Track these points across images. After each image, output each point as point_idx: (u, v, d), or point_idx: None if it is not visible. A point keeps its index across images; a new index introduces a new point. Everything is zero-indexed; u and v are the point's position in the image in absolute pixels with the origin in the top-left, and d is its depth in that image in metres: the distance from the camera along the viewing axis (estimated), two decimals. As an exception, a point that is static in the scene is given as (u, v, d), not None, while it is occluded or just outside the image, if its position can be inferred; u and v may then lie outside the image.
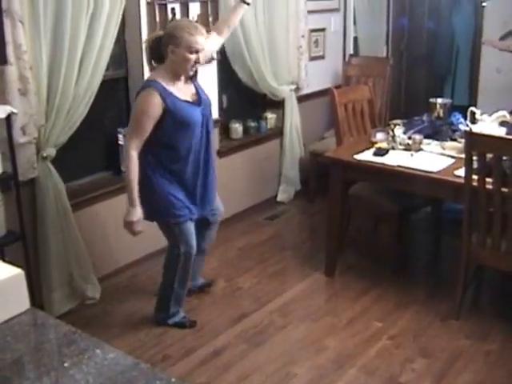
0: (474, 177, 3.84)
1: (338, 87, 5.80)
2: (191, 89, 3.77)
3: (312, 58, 6.16)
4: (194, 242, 3.87)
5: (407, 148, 4.48)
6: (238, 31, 5.22)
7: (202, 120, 3.73)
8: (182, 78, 3.68)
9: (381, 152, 4.39)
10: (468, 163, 3.83)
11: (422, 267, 5.06)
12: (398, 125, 4.66)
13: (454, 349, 3.85)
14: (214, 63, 5.14)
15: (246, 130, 5.76)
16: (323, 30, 6.28)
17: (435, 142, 4.61)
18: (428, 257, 5.24)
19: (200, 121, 3.71)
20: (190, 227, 3.85)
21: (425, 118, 4.89)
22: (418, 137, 4.51)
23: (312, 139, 6.25)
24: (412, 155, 4.38)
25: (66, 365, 1.74)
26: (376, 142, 4.57)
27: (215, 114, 5.24)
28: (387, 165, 4.25)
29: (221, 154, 5.39)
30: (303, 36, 5.86)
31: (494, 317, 4.21)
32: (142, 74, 4.54)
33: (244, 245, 5.25)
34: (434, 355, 3.78)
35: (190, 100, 3.70)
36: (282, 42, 5.66)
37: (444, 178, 4.05)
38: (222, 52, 5.25)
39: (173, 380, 1.73)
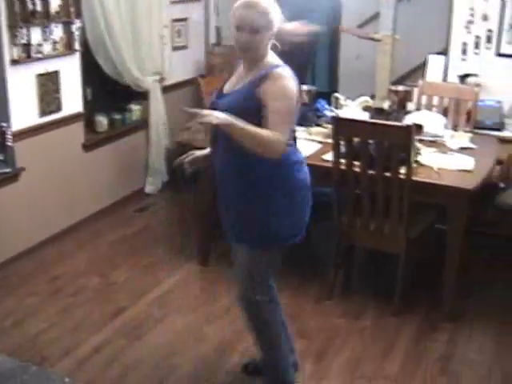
0: (342, 161, 3.97)
1: (202, 77, 5.80)
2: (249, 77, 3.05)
3: (175, 48, 6.13)
4: None
5: (274, 135, 4.54)
6: (101, 20, 5.13)
7: None
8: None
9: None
10: (336, 147, 3.94)
11: (294, 252, 5.15)
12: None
13: (330, 328, 3.98)
14: (77, 55, 5.01)
15: (111, 123, 5.67)
16: (185, 19, 6.25)
17: (302, 128, 4.69)
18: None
19: None
20: None
21: (290, 104, 4.98)
22: (284, 123, 4.59)
23: (178, 129, 6.22)
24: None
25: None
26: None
27: (78, 108, 5.15)
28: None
29: (86, 148, 5.30)
30: (166, 26, 5.82)
31: (366, 295, 4.37)
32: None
33: (115, 239, 5.18)
34: (312, 336, 3.89)
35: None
36: (145, 33, 5.60)
37: (312, 163, 4.14)
38: (85, 43, 5.13)
39: (66, 380, 1.71)
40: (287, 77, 3.00)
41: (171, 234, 5.35)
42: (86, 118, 5.35)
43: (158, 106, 5.87)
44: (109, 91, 5.73)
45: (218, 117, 2.74)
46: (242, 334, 3.87)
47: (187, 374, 3.55)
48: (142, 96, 5.85)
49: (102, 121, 5.55)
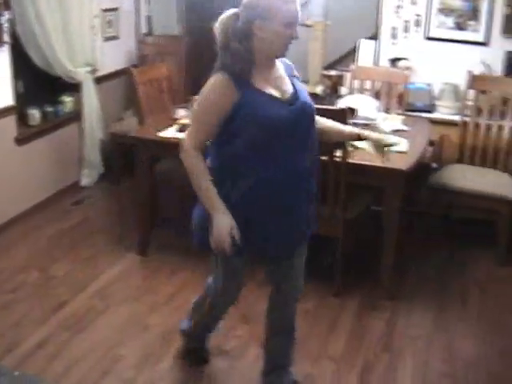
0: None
1: (134, 66, 5.77)
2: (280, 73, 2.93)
3: (106, 39, 6.07)
4: None
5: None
6: (31, 12, 5.05)
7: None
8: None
9: (184, 128, 4.44)
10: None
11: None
12: (199, 100, 4.73)
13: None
14: (6, 47, 4.93)
15: (43, 116, 5.58)
16: (116, 9, 6.20)
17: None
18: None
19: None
20: None
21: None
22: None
23: (112, 121, 6.19)
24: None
25: None
26: (178, 119, 4.62)
27: (9, 101, 5.07)
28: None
29: (19, 141, 5.22)
30: (96, 16, 5.76)
31: (307, 278, 4.37)
32: None
33: (53, 232, 5.12)
34: (254, 320, 3.92)
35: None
36: (75, 23, 5.52)
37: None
38: (14, 35, 5.04)
39: (16, 373, 1.70)
40: None
41: (110, 225, 5.32)
42: (18, 111, 5.26)
43: (90, 97, 5.81)
44: (41, 83, 5.65)
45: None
46: (186, 321, 3.92)
47: (132, 363, 3.56)
48: (74, 88, 5.78)
49: (35, 114, 5.46)
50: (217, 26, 2.83)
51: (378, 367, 3.58)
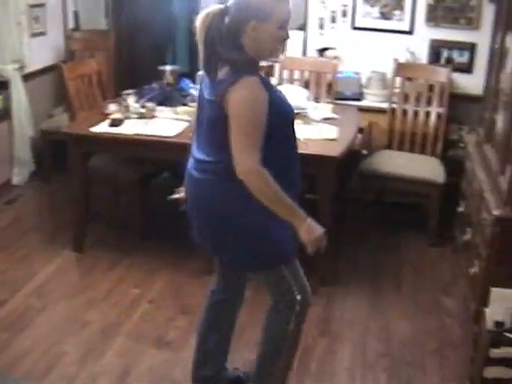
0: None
1: (63, 63, 5.71)
2: None
3: (33, 35, 5.98)
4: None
5: (142, 116, 4.58)
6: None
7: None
8: None
9: (116, 123, 4.45)
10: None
11: (169, 231, 5.21)
12: (130, 94, 4.74)
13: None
14: None
15: (-30, 115, 5.51)
16: (42, 5, 6.10)
17: (168, 109, 4.75)
18: (173, 221, 5.38)
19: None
20: None
21: (155, 85, 5.02)
22: (150, 104, 4.64)
23: (42, 118, 6.12)
24: (147, 123, 4.48)
25: None
26: (110, 114, 4.61)
27: None
28: (124, 134, 4.32)
29: None
30: (23, 12, 5.67)
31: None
32: None
33: (-15, 233, 5.06)
34: (194, 310, 3.95)
35: None
36: (1, 20, 5.44)
37: (181, 141, 4.20)
38: None
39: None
40: None
41: (43, 223, 5.27)
42: None
43: (19, 94, 5.73)
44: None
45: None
46: (126, 316, 3.94)
47: (75, 359, 3.55)
48: (2, 85, 5.69)
49: (-38, 113, 5.38)
50: (198, 21, 2.69)
51: (316, 351, 3.66)
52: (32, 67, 5.96)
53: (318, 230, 2.73)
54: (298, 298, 2.92)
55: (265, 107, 2.57)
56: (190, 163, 2.93)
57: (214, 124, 2.69)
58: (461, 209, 4.57)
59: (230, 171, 2.60)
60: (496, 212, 3.34)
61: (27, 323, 3.87)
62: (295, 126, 2.83)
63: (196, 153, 2.88)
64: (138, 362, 3.54)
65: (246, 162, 2.57)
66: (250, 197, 2.61)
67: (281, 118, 2.70)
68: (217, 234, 2.89)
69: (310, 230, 2.71)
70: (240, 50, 2.63)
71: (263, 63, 5.20)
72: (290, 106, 2.80)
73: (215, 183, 2.77)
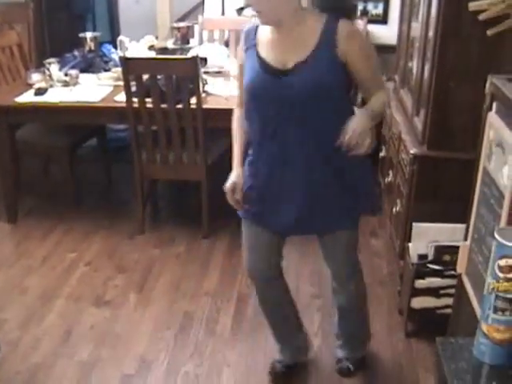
0: (134, 99, 4.11)
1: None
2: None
3: None
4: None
5: (65, 84, 4.60)
6: None
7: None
8: None
9: (41, 92, 4.47)
10: (127, 87, 4.07)
11: (100, 196, 5.27)
12: (53, 63, 4.74)
13: (147, 259, 4.18)
14: None
15: None
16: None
17: (91, 75, 4.78)
18: (103, 185, 5.44)
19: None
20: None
21: (76, 53, 5.03)
22: (73, 72, 4.67)
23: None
24: (71, 90, 4.51)
25: None
26: (34, 84, 4.62)
27: None
28: (50, 102, 4.35)
29: None
30: None
31: (176, 225, 4.61)
32: None
33: None
34: (130, 269, 4.07)
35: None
36: None
37: (107, 105, 4.27)
38: None
39: None
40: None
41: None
42: None
43: None
44: None
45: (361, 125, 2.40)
46: (64, 280, 4.01)
47: (16, 324, 3.60)
48: None
49: None
50: None
51: (252, 297, 3.77)
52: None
53: (228, 183, 2.71)
54: None
55: (238, 58, 2.67)
56: None
57: None
58: (382, 154, 4.74)
59: None
60: (413, 151, 3.48)
61: (-35, 295, 3.92)
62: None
63: None
64: (79, 322, 3.61)
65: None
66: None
67: (245, 84, 2.57)
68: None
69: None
70: None
71: (181, 24, 5.31)
72: (253, 77, 2.52)
73: None
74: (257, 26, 2.55)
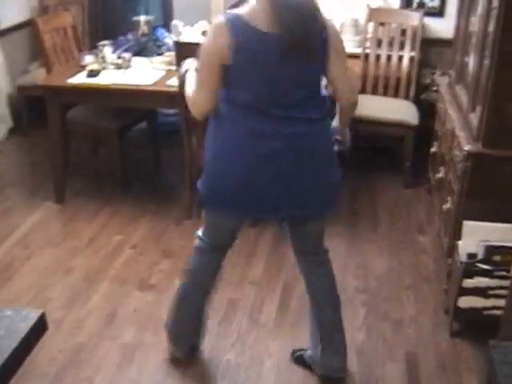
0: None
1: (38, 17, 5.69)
2: None
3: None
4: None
5: (118, 67, 4.62)
6: None
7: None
8: None
9: (93, 73, 4.49)
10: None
11: (148, 180, 5.28)
12: (106, 46, 4.76)
13: (192, 246, 4.16)
14: None
15: None
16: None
17: (144, 59, 4.79)
18: (151, 169, 5.46)
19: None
20: None
21: (130, 36, 5.04)
22: (126, 55, 4.68)
23: (18, 74, 6.12)
24: (124, 73, 4.53)
25: None
26: (86, 65, 4.64)
27: None
28: (102, 84, 4.37)
29: None
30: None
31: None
32: None
33: (-36, 188, 5.09)
34: (175, 254, 4.07)
35: None
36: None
37: (158, 89, 4.27)
38: None
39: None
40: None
41: (23, 177, 5.32)
42: None
43: (-6, 51, 5.74)
44: None
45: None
46: (109, 262, 4.03)
47: (61, 304, 3.64)
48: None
49: None
50: None
51: (297, 288, 3.75)
52: (6, 23, 5.95)
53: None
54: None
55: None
56: None
57: None
58: (434, 149, 4.67)
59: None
60: (467, 147, 3.42)
61: (13, 272, 3.95)
62: None
63: None
64: (123, 305, 3.63)
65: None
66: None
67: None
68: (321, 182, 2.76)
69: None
70: None
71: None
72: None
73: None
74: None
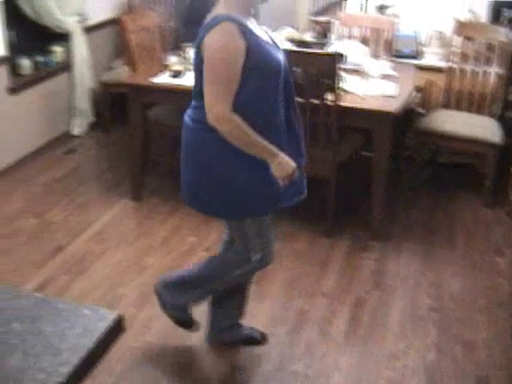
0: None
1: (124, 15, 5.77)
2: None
3: (95, -12, 6.08)
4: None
5: (201, 68, 4.61)
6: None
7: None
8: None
9: (177, 74, 4.51)
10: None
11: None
12: (190, 47, 4.78)
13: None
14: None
15: (34, 66, 5.60)
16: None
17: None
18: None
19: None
20: None
21: (214, 39, 5.04)
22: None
23: (102, 70, 6.22)
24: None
25: None
26: (170, 65, 4.67)
27: (1, 51, 5.08)
28: (185, 86, 4.38)
29: (11, 91, 5.25)
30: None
31: (297, 220, 4.55)
32: None
33: (47, 180, 5.17)
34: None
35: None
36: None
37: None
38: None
39: (38, 295, 1.79)
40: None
41: (102, 172, 5.39)
42: (10, 61, 5.27)
43: (80, 47, 5.83)
44: (32, 34, 5.65)
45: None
46: (182, 262, 4.03)
47: (132, 301, 3.67)
48: (64, 38, 5.79)
49: (26, 64, 5.48)
50: None
51: (369, 303, 3.71)
52: (93, 20, 6.05)
53: (290, 164, 2.75)
54: (255, 257, 2.97)
55: (237, 55, 2.55)
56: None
57: (196, 69, 2.73)
58: (516, 170, 4.55)
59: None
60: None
61: (87, 267, 4.01)
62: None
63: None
64: (194, 307, 3.63)
65: (216, 108, 2.60)
66: (233, 146, 2.69)
67: (262, 68, 2.63)
68: (198, 179, 3.00)
69: (282, 166, 2.73)
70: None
71: (321, 19, 5.25)
72: (276, 57, 2.69)
73: (198, 131, 2.81)
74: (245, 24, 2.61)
